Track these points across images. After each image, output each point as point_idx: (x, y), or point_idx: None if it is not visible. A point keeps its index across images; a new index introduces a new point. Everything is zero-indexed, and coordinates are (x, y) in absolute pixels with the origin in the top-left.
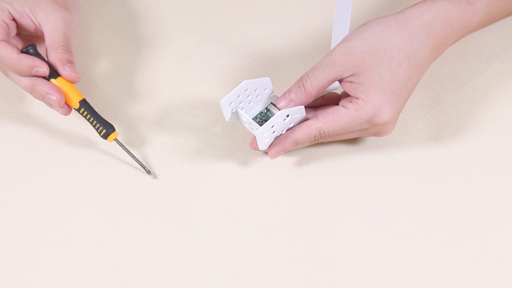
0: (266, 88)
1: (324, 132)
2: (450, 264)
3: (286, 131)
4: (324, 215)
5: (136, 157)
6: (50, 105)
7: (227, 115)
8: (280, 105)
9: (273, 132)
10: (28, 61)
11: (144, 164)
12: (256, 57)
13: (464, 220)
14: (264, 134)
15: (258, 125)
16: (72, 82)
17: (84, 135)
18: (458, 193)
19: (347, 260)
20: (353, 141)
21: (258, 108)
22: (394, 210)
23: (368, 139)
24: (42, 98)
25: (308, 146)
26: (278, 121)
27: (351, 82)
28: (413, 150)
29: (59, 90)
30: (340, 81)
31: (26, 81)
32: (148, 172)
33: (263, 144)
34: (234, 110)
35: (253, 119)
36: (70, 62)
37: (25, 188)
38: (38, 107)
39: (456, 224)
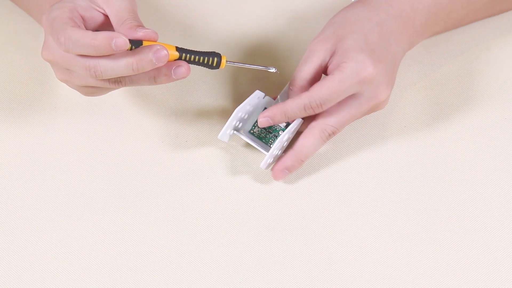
0: (258, 98)
1: (315, 99)
2: (450, 264)
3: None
4: (324, 215)
5: (250, 65)
6: (161, 63)
7: (225, 139)
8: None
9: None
10: (103, 34)
11: (263, 66)
12: (256, 58)
13: (464, 220)
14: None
15: (267, 146)
16: (152, 40)
17: (84, 135)
18: (458, 193)
19: (347, 260)
20: (352, 140)
21: (253, 119)
22: (394, 210)
23: (367, 138)
24: (151, 61)
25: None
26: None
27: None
28: (413, 149)
29: (157, 44)
30: (327, 71)
31: (125, 60)
32: (271, 68)
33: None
34: (232, 133)
35: (249, 130)
36: (140, 26)
37: (25, 188)
38: (37, 107)
39: (456, 224)
